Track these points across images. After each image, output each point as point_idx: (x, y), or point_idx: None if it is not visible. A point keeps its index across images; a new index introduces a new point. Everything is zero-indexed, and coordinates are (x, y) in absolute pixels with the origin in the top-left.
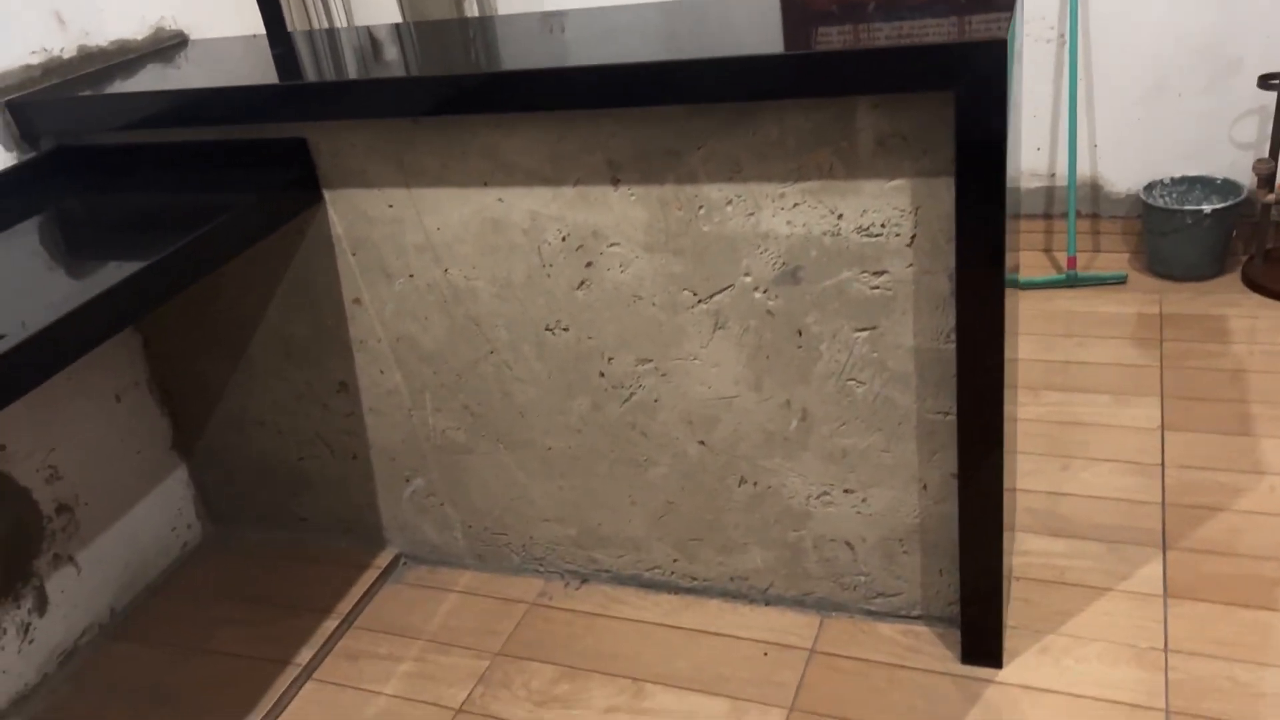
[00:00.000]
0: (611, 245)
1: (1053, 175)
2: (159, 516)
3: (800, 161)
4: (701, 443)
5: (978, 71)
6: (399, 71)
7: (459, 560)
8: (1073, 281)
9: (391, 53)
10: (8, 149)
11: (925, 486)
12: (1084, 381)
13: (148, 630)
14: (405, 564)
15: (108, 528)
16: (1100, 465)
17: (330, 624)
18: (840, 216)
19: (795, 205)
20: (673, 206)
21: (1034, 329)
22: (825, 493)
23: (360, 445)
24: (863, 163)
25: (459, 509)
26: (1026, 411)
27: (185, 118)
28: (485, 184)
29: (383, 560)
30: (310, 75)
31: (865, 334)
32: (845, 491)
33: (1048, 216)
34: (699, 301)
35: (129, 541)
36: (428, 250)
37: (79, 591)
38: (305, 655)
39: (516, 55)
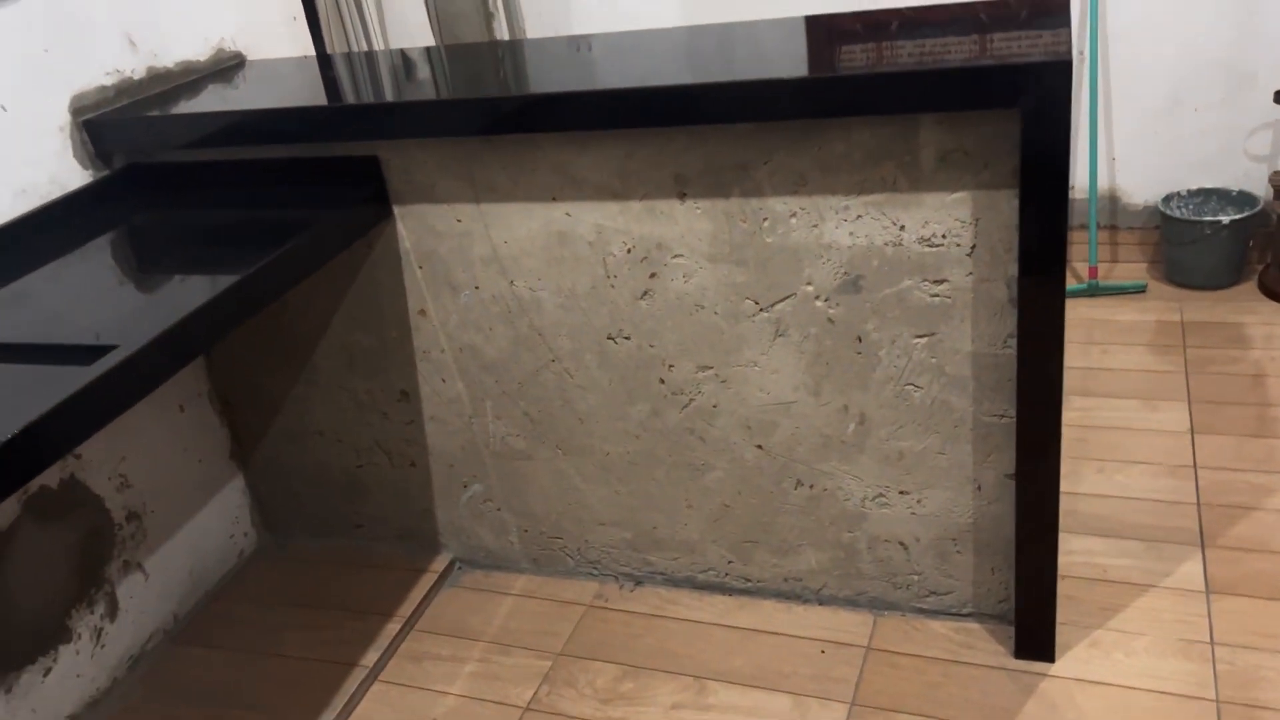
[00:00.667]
0: (675, 256)
1: (1072, 188)
2: (218, 524)
3: (864, 175)
4: (759, 447)
5: (1044, 90)
6: (477, 88)
7: (514, 564)
8: (1094, 291)
9: (448, 73)
10: (84, 166)
11: (979, 487)
12: (1111, 387)
13: (212, 635)
14: (460, 569)
15: (172, 535)
16: (1134, 467)
17: (392, 627)
18: (902, 227)
19: (858, 217)
20: (738, 219)
21: None
22: (881, 494)
23: (419, 453)
24: (925, 176)
25: (516, 514)
26: None
27: (260, 136)
28: (553, 199)
29: (438, 565)
30: (374, 95)
31: (924, 340)
32: (900, 493)
33: (1069, 228)
34: (760, 310)
35: (191, 549)
36: (494, 263)
37: (146, 597)
38: (370, 657)
39: (575, 76)
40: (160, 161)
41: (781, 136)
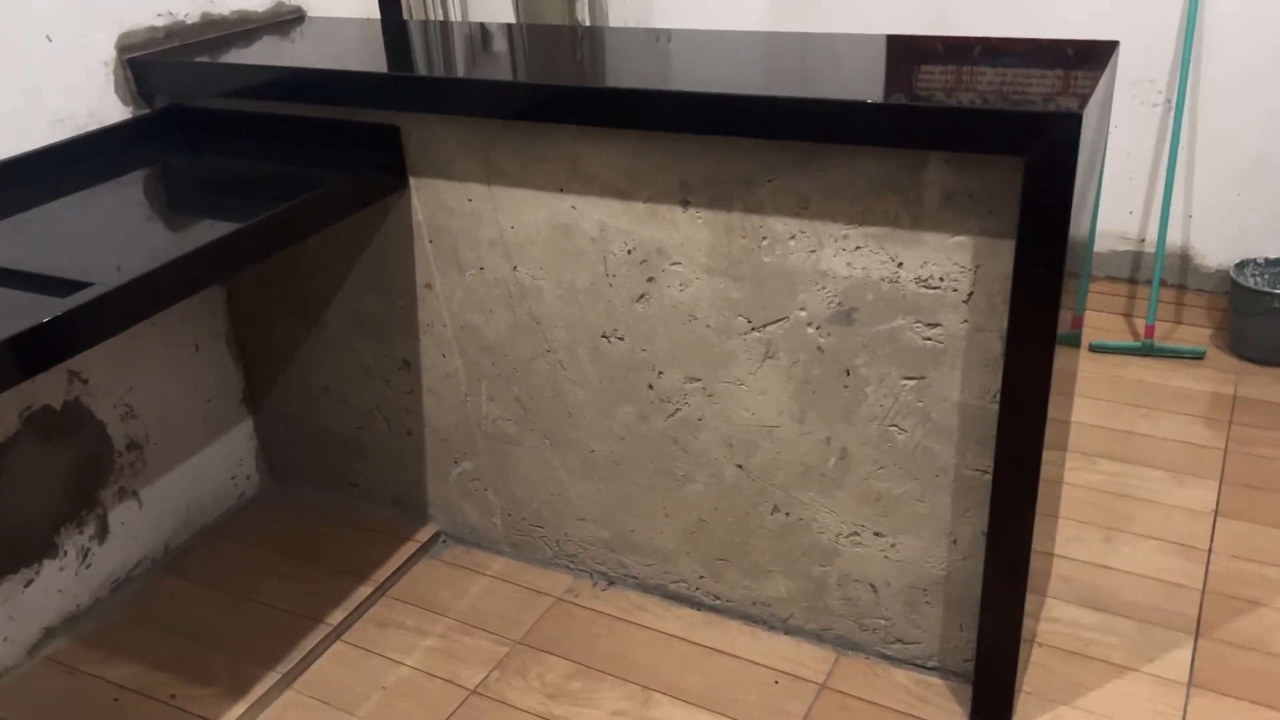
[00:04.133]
0: (674, 264)
1: (1143, 240)
2: (221, 465)
3: (867, 205)
4: (739, 466)
5: (1050, 142)
6: (501, 72)
7: (495, 546)
8: (1148, 350)
9: (497, 52)
10: (124, 103)
11: (955, 541)
12: (1143, 454)
13: (197, 570)
14: (445, 542)
15: (172, 468)
16: (1145, 542)
17: (365, 590)
18: (900, 265)
19: (857, 248)
20: (737, 234)
21: (1100, 394)
22: (855, 533)
23: (415, 423)
24: (928, 215)
25: (500, 496)
26: (1078, 477)
27: (290, 94)
28: (561, 190)
29: (423, 535)
30: (415, 66)
31: (912, 383)
32: (875, 534)
33: (1132, 281)
34: (752, 329)
35: (190, 484)
36: (500, 246)
37: (138, 525)
38: (337, 616)
39: (613, 71)
40: (200, 106)
41: (787, 156)
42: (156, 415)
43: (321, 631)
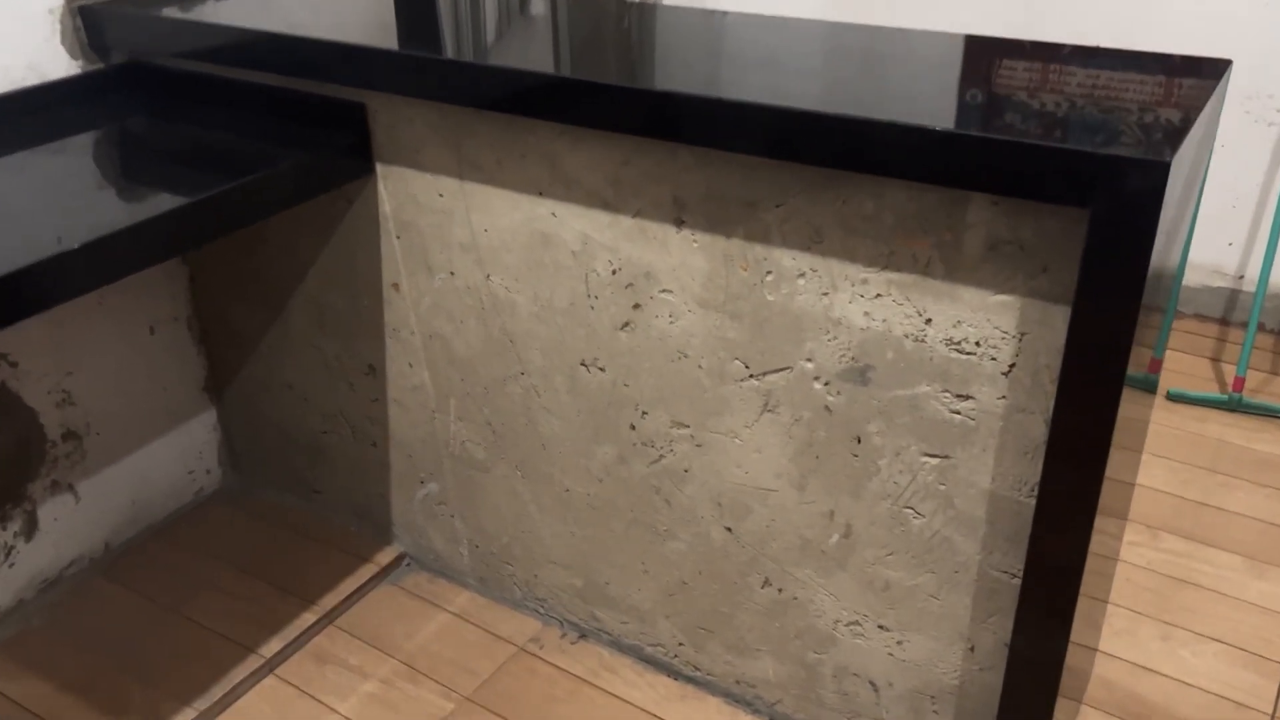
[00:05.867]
0: (664, 291)
1: (1241, 277)
2: (177, 458)
3: (893, 246)
4: (728, 529)
5: (1124, 194)
6: (503, 52)
7: (460, 577)
8: (1235, 406)
9: (516, 27)
10: (73, 56)
11: (973, 648)
12: (1217, 533)
13: (135, 574)
14: (409, 565)
15: (118, 460)
16: (1208, 645)
17: (309, 618)
18: (928, 321)
19: (878, 295)
20: (738, 264)
21: (1173, 453)
22: (857, 622)
23: (380, 434)
24: (966, 265)
25: (468, 525)
26: (1137, 554)
27: (254, 59)
28: (540, 193)
29: (385, 557)
30: (428, 39)
31: (935, 461)
32: (879, 627)
33: (1224, 323)
34: (750, 376)
35: (139, 479)
36: (472, 250)
37: (74, 521)
38: (274, 646)
39: (630, 61)
40: (162, 65)
41: (799, 178)
42: (100, 402)
43: (253, 663)
